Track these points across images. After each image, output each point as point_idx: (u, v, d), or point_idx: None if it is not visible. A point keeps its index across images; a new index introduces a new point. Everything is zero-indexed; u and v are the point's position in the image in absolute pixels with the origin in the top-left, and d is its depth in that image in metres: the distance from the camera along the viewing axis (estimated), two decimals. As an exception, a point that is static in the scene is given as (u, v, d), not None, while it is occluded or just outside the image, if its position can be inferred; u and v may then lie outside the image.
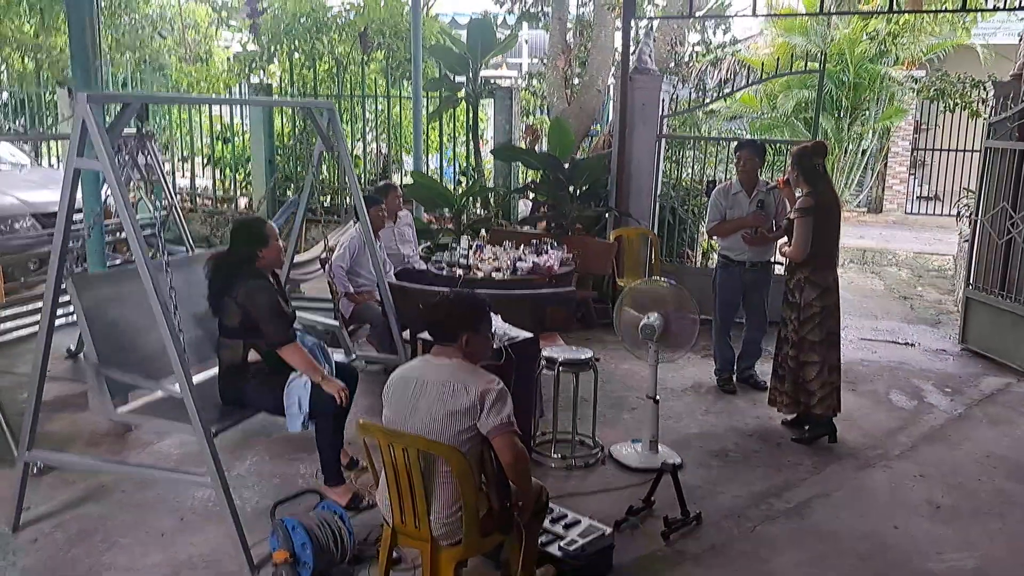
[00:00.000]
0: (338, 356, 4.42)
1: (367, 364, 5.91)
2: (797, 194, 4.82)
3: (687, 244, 8.10)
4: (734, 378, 5.74)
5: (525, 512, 2.89)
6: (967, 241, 8.41)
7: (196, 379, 3.47)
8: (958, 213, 9.52)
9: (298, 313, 4.79)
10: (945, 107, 8.60)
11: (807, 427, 4.86)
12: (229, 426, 3.71)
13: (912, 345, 6.95)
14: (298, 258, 6.57)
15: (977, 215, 6.68)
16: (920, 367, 6.34)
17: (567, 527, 3.45)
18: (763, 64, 7.38)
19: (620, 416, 5.20)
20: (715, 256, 8.28)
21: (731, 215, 5.52)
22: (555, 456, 4.44)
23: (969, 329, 6.74)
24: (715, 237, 6.30)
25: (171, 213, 5.53)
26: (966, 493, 4.25)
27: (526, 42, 12.34)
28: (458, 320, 2.87)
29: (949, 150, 13.57)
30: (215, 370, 3.89)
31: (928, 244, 11.34)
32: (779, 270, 5.68)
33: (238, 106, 10.39)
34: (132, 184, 5.90)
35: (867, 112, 12.90)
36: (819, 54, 7.35)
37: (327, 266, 5.82)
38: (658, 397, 4.49)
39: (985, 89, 7.88)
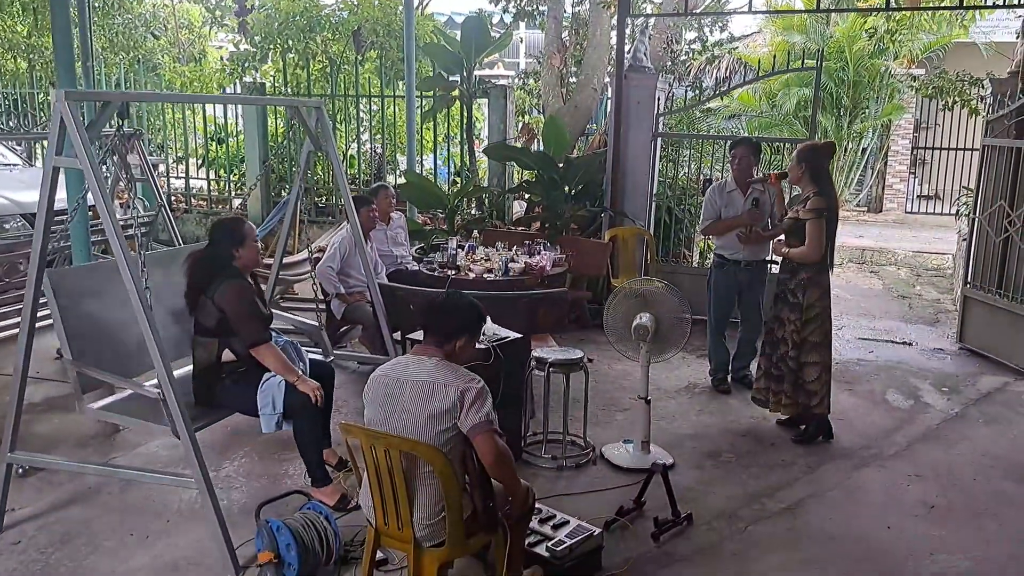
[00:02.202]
0: (316, 355, 4.37)
1: (360, 365, 5.88)
2: (795, 192, 4.74)
3: (683, 244, 8.06)
4: (729, 378, 5.69)
5: (515, 507, 2.84)
6: (966, 240, 8.37)
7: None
8: (957, 211, 9.48)
9: (279, 313, 4.76)
10: (944, 105, 8.54)
11: (803, 426, 4.80)
12: (202, 427, 3.62)
13: (910, 344, 6.90)
14: (289, 259, 6.53)
15: (975, 213, 6.63)
16: (917, 366, 6.29)
17: (555, 527, 3.41)
18: (759, 61, 7.31)
19: (613, 417, 5.15)
20: (712, 256, 8.25)
21: (726, 214, 5.47)
22: (545, 456, 4.40)
23: (967, 328, 6.69)
24: (710, 236, 6.26)
25: (160, 213, 5.48)
26: (962, 493, 4.20)
27: (521, 40, 12.31)
28: (460, 322, 2.86)
29: (949, 149, 13.52)
30: (188, 368, 3.84)
31: (927, 243, 11.28)
32: (774, 269, 5.64)
33: (232, 106, 10.35)
34: (122, 184, 5.90)
35: (867, 110, 12.85)
36: (816, 51, 7.26)
37: (316, 268, 5.78)
38: (650, 398, 4.44)
39: (983, 86, 7.82)
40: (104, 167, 5.64)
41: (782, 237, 4.79)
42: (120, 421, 3.84)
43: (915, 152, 14.45)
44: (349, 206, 5.00)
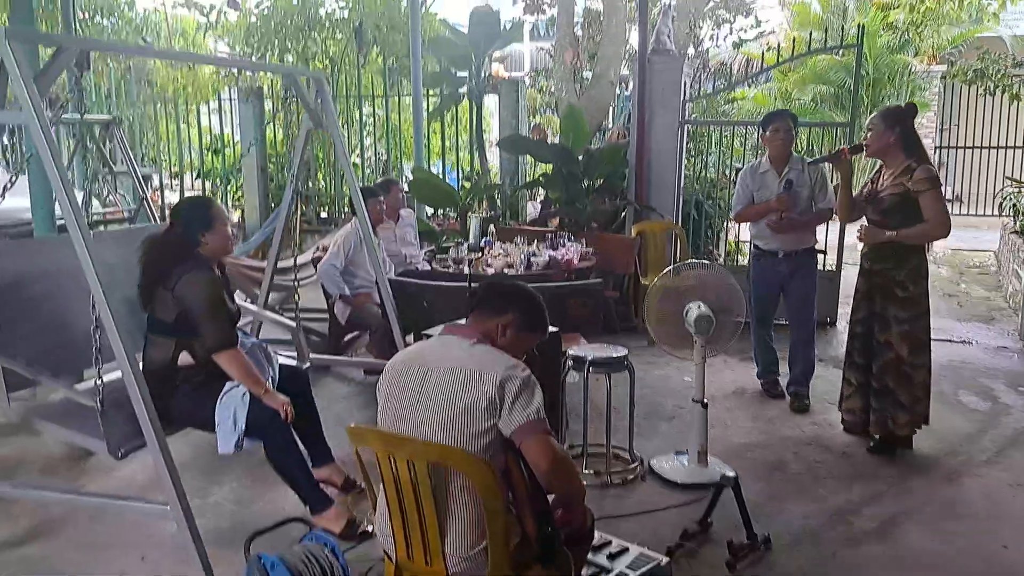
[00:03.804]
0: (289, 360, 3.80)
1: (366, 374, 5.29)
2: (888, 172, 4.01)
3: (712, 242, 7.48)
4: (779, 381, 5.05)
5: (569, 520, 2.22)
6: (1014, 232, 7.81)
7: (110, 377, 2.84)
8: (1000, 206, 8.93)
9: (247, 307, 4.21)
10: (985, 90, 7.98)
11: (876, 437, 4.15)
12: (143, 445, 2.95)
13: (969, 343, 6.30)
14: (284, 263, 5.95)
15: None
16: (984, 365, 5.69)
17: (612, 557, 2.81)
18: (794, 40, 6.77)
19: (656, 426, 4.54)
20: (740, 254, 7.70)
21: (759, 197, 4.83)
22: (587, 472, 3.78)
23: (1033, 324, 6.09)
24: (747, 224, 5.64)
25: (142, 208, 4.92)
26: (1077, 504, 3.58)
27: (530, 33, 11.80)
28: (514, 300, 2.28)
29: (975, 148, 12.96)
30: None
31: (963, 241, 10.68)
32: (824, 260, 5.05)
33: (228, 115, 9.82)
34: (100, 177, 5.36)
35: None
36: (858, 27, 6.72)
37: (318, 267, 5.22)
38: (706, 400, 3.83)
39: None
40: (78, 159, 5.10)
41: (864, 222, 4.11)
42: (49, 432, 3.25)
43: (938, 151, 13.89)
44: (356, 194, 4.44)
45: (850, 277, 6.23)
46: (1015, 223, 7.98)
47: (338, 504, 3.33)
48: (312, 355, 4.78)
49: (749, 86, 7.95)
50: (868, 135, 4.00)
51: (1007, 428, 4.51)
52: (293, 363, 3.84)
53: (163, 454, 2.64)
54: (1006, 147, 12.62)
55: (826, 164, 4.68)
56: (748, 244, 7.24)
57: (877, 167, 4.22)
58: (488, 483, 1.99)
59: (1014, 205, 8.12)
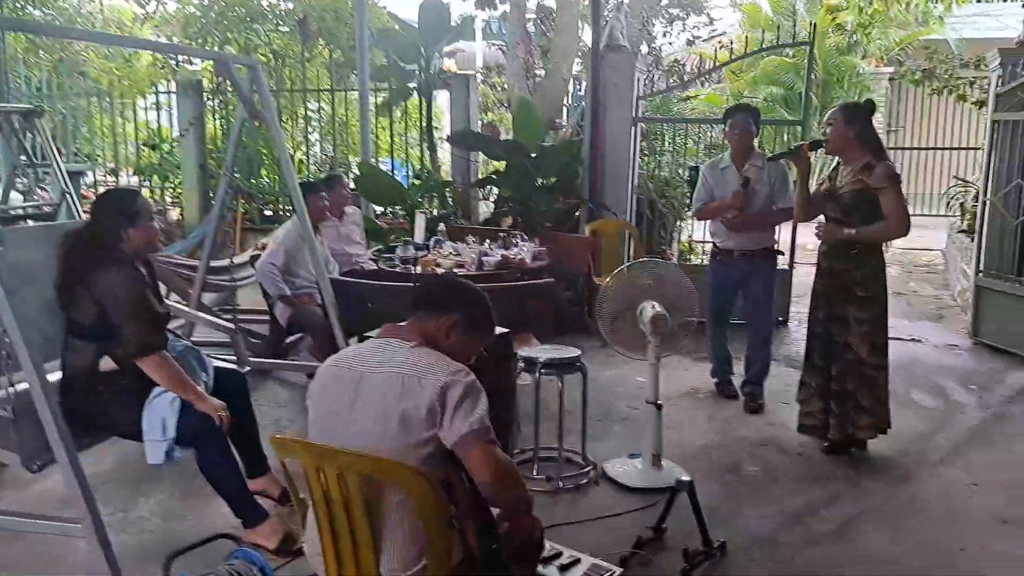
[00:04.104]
0: (226, 363, 3.58)
1: (309, 378, 5.06)
2: (847, 169, 3.92)
3: (666, 242, 7.41)
4: (733, 381, 4.98)
5: (515, 532, 2.06)
6: (962, 231, 7.90)
7: (23, 386, 2.60)
8: (948, 205, 9.07)
9: (182, 309, 3.98)
10: (933, 91, 8.06)
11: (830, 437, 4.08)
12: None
13: (919, 341, 6.32)
14: (220, 263, 5.69)
15: (985, 195, 6.07)
16: (935, 364, 5.70)
17: (563, 569, 2.66)
18: (747, 39, 6.74)
19: (610, 428, 4.42)
20: (693, 254, 7.65)
21: (719, 194, 4.74)
22: (538, 477, 3.64)
23: (981, 321, 6.11)
24: (707, 221, 5.56)
25: (64, 201, 4.63)
26: (1033, 504, 3.55)
27: (483, 31, 11.63)
28: (457, 298, 2.11)
29: (922, 148, 13.19)
30: (55, 376, 3.00)
31: (910, 241, 10.82)
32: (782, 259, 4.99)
33: (166, 110, 9.45)
34: (18, 170, 5.04)
35: (837, 110, 12.49)
36: (810, 23, 6.72)
37: (256, 266, 4.98)
38: (661, 402, 3.71)
39: (984, 65, 7.27)
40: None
41: (822, 218, 4.02)
42: None
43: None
44: (294, 188, 4.22)
45: (803, 276, 6.24)
46: (962, 222, 8.08)
47: (274, 517, 3.12)
48: (251, 358, 4.56)
49: (702, 84, 7.93)
50: (828, 130, 3.90)
51: (961, 427, 4.50)
52: (231, 366, 3.62)
53: (73, 467, 2.42)
54: (953, 148, 12.87)
55: (785, 162, 4.60)
56: (701, 244, 7.24)
57: (834, 164, 4.15)
58: (426, 497, 1.82)
59: (961, 204, 8.24)
